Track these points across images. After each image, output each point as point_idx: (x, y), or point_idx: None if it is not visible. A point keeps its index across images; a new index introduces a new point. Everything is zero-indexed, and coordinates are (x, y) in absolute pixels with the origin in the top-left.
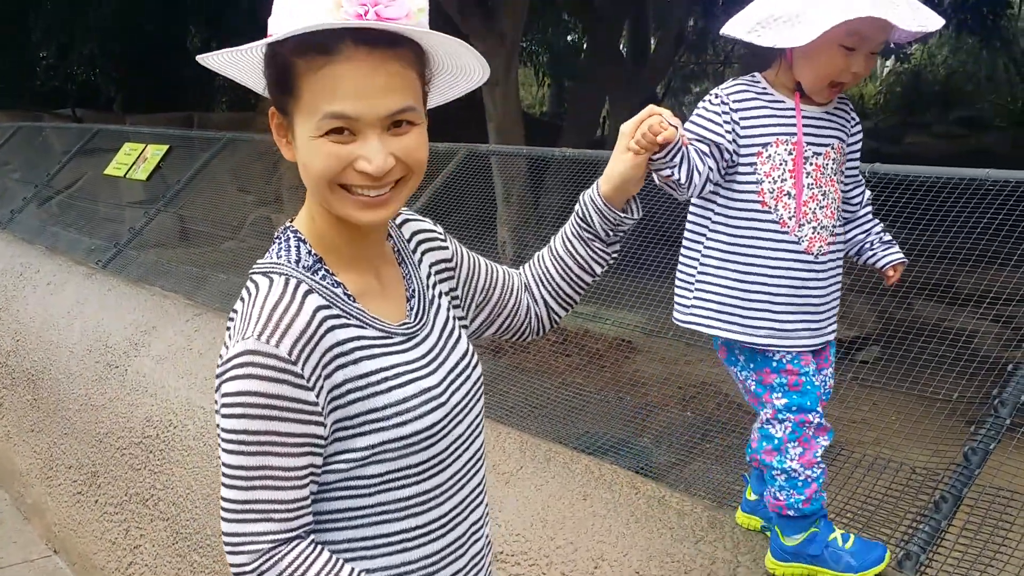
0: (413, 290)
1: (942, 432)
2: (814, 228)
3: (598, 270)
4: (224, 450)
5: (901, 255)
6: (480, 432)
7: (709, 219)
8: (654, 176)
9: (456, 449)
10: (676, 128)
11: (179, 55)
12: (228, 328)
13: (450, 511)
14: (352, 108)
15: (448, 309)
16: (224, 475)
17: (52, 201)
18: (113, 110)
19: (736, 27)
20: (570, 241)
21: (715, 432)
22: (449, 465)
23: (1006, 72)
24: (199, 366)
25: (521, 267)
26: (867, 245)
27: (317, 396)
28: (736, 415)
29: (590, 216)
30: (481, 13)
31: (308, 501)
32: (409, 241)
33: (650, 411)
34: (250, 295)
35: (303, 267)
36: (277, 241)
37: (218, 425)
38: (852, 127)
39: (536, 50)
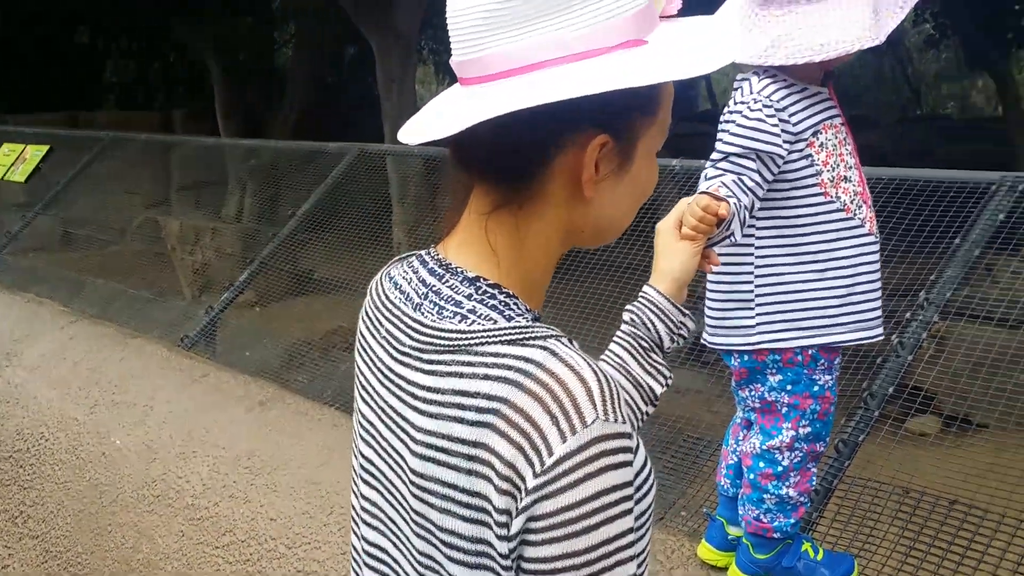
0: None
1: None
2: (870, 208)
3: (658, 390)
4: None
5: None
6: None
7: (753, 228)
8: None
9: None
10: (727, 200)
11: (65, 52)
12: (521, 428)
13: None
14: None
15: None
16: None
17: None
18: None
19: (862, 40)
20: (619, 358)
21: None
22: None
23: (892, 72)
24: (73, 375)
25: None
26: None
27: None
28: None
29: (649, 320)
30: (376, 9)
31: None
32: None
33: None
34: (539, 376)
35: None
36: (479, 300)
37: (545, 558)
38: None
39: (436, 48)
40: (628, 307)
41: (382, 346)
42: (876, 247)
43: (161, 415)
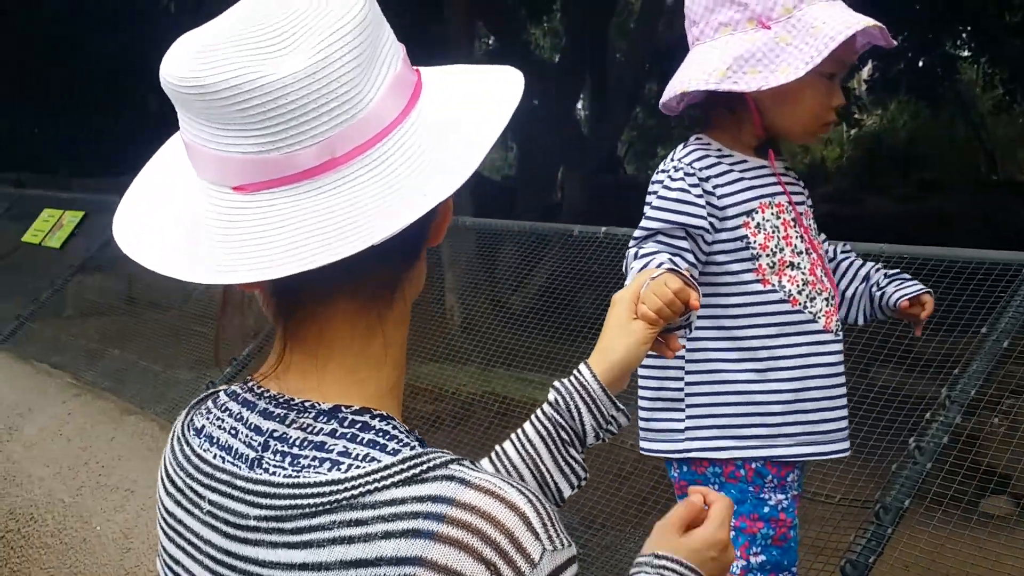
0: None
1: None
2: (826, 300)
3: (567, 493)
4: None
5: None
6: None
7: None
8: None
9: None
10: (697, 289)
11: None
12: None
13: None
14: None
15: None
16: None
17: None
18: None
19: (696, 81)
20: (532, 445)
21: (654, 512)
22: None
23: (965, 136)
24: (65, 454)
25: None
26: (874, 289)
27: None
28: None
29: (576, 407)
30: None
31: None
32: None
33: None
34: (457, 517)
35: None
36: (348, 437)
37: None
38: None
39: None
40: (555, 384)
41: (209, 525)
42: (836, 347)
43: (141, 501)
